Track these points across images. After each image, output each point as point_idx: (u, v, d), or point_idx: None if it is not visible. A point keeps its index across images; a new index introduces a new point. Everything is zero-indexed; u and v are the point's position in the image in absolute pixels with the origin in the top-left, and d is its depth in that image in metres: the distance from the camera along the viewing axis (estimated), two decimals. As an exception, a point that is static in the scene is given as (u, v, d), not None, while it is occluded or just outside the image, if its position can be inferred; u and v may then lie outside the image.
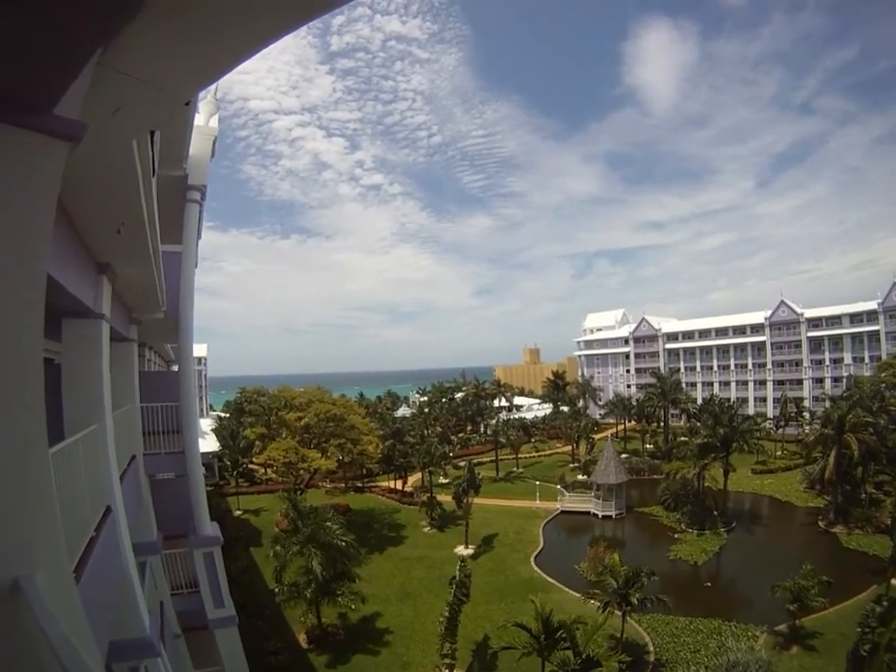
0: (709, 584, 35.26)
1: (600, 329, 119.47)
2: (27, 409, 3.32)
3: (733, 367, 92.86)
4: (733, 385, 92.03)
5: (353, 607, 28.86)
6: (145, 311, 13.58)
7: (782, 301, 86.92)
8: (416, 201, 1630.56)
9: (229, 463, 57.24)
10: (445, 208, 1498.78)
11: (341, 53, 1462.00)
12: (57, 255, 5.46)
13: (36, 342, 3.40)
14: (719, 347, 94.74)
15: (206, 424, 58.95)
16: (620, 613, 26.19)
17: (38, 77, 2.78)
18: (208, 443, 48.27)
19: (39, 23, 2.40)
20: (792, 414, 72.07)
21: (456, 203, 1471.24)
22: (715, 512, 45.33)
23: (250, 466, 60.96)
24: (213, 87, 16.56)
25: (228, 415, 73.05)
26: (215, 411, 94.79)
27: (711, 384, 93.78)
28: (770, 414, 78.85)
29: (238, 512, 49.93)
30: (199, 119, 15.51)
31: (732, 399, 73.72)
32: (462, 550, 40.53)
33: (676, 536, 43.41)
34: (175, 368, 27.98)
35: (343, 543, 28.63)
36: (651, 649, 26.99)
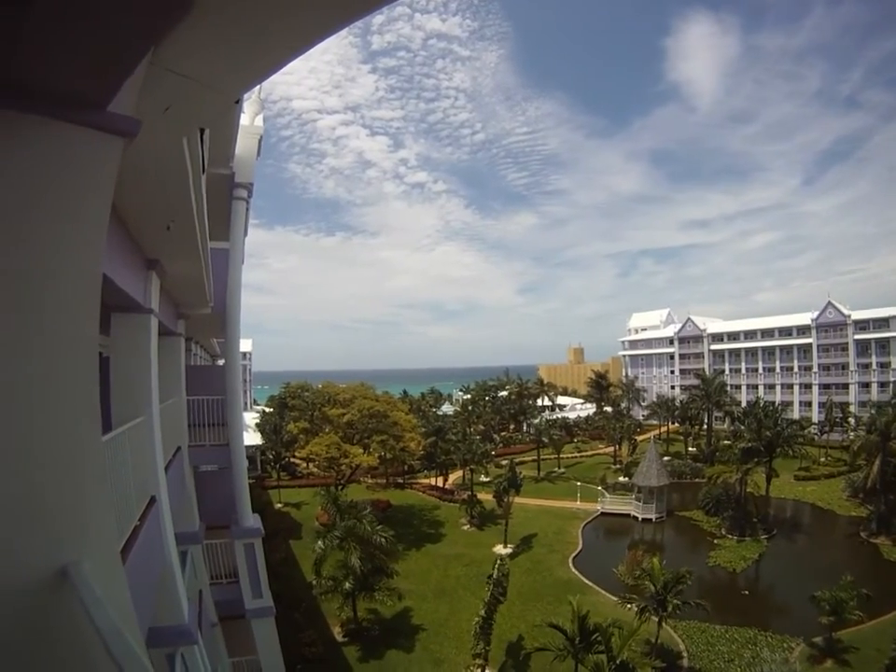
0: (747, 592, 34.55)
1: (645, 329, 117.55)
2: (83, 399, 3.40)
3: (778, 369, 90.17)
4: (778, 388, 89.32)
5: (389, 602, 29.03)
6: (192, 306, 13.81)
7: (829, 303, 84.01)
8: (460, 198, 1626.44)
9: (271, 456, 58.18)
10: (489, 206, 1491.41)
11: (382, 52, 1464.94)
12: (108, 251, 5.59)
13: (92, 335, 3.47)
14: (764, 349, 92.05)
15: (250, 418, 60.02)
16: (656, 618, 25.82)
17: (93, 74, 2.83)
18: (251, 437, 49.30)
19: (93, 21, 2.44)
20: (837, 420, 69.91)
21: (501, 201, 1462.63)
22: (755, 519, 44.25)
23: (292, 460, 61.76)
24: (257, 87, 16.79)
25: (271, 410, 74.06)
26: (259, 405, 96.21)
27: (756, 386, 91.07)
28: (815, 419, 76.51)
29: (279, 505, 50.75)
30: (244, 119, 15.70)
31: (776, 403, 71.79)
32: (501, 549, 40.43)
33: (715, 541, 42.62)
34: (221, 362, 28.55)
35: (383, 539, 28.83)
36: (686, 656, 26.54)
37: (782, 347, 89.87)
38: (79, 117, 3.00)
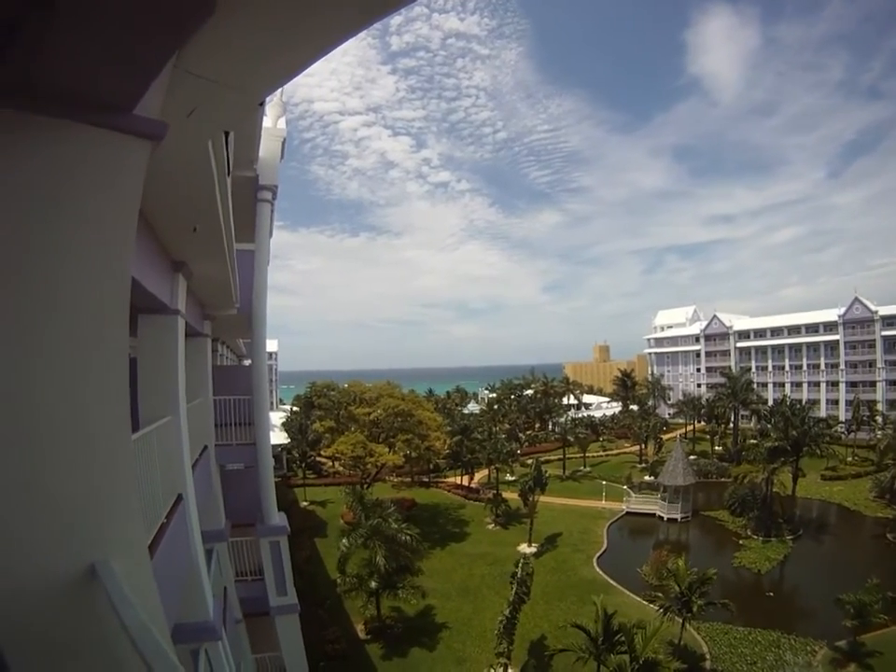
0: (771, 594, 34.08)
1: (670, 327, 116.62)
2: (114, 400, 3.45)
3: (805, 367, 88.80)
4: (804, 385, 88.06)
5: (413, 600, 29.12)
6: (219, 307, 13.93)
7: (856, 298, 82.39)
8: (484, 197, 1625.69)
9: (297, 455, 58.54)
10: (513, 204, 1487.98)
11: (401, 53, 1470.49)
12: (135, 253, 5.67)
13: (122, 336, 3.51)
14: (791, 346, 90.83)
15: (276, 417, 60.50)
16: (680, 619, 25.61)
17: (118, 78, 2.87)
18: (277, 436, 49.62)
19: (117, 25, 2.47)
20: (864, 418, 68.76)
21: (524, 199, 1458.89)
22: (781, 519, 43.62)
23: (318, 459, 62.17)
24: (279, 89, 16.90)
25: (297, 409, 74.56)
26: (284, 405, 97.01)
27: (783, 384, 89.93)
28: (842, 418, 75.14)
29: (304, 503, 51.18)
30: (267, 122, 15.80)
31: (803, 401, 70.72)
32: (525, 548, 40.37)
33: (741, 542, 42.15)
34: (247, 362, 28.83)
35: (408, 538, 28.90)
36: (708, 658, 26.28)
37: (809, 344, 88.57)
38: (106, 120, 3.04)
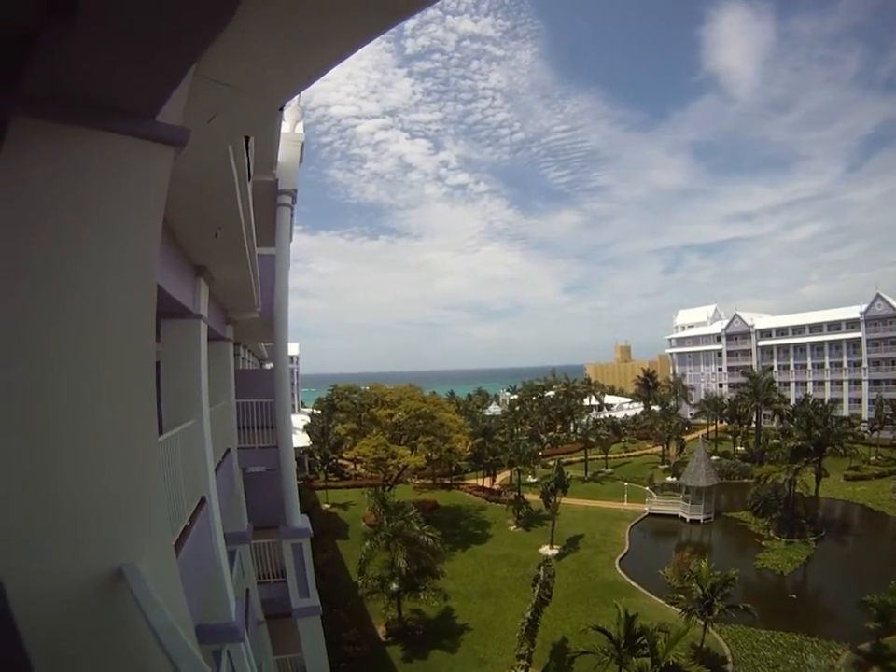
0: (794, 596, 33.65)
1: (692, 326, 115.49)
2: (141, 404, 3.47)
3: (827, 365, 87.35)
4: (827, 384, 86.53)
5: (434, 602, 29.15)
6: (240, 311, 14.03)
7: (878, 295, 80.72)
8: (503, 198, 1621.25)
9: (319, 458, 58.85)
10: (532, 205, 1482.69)
11: (416, 56, 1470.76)
12: (159, 259, 5.73)
13: (150, 340, 3.55)
14: (813, 344, 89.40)
15: (298, 420, 60.87)
16: (702, 622, 25.36)
17: (140, 85, 2.89)
18: (299, 439, 49.94)
19: (138, 33, 2.49)
20: (888, 417, 67.62)
21: (543, 200, 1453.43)
22: (804, 520, 43.02)
23: (340, 461, 62.40)
24: (297, 94, 17.00)
25: (319, 412, 74.96)
26: (306, 408, 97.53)
27: (805, 383, 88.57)
28: (865, 416, 73.83)
29: (326, 506, 51.40)
30: (285, 127, 15.88)
31: (826, 400, 69.62)
32: (547, 550, 40.21)
33: (763, 543, 41.66)
34: (268, 366, 29.02)
35: (429, 540, 28.92)
36: (730, 661, 25.98)
37: (831, 342, 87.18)
38: (128, 127, 3.06)
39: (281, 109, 8.23)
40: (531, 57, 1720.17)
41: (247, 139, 6.44)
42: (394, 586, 27.96)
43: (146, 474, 3.56)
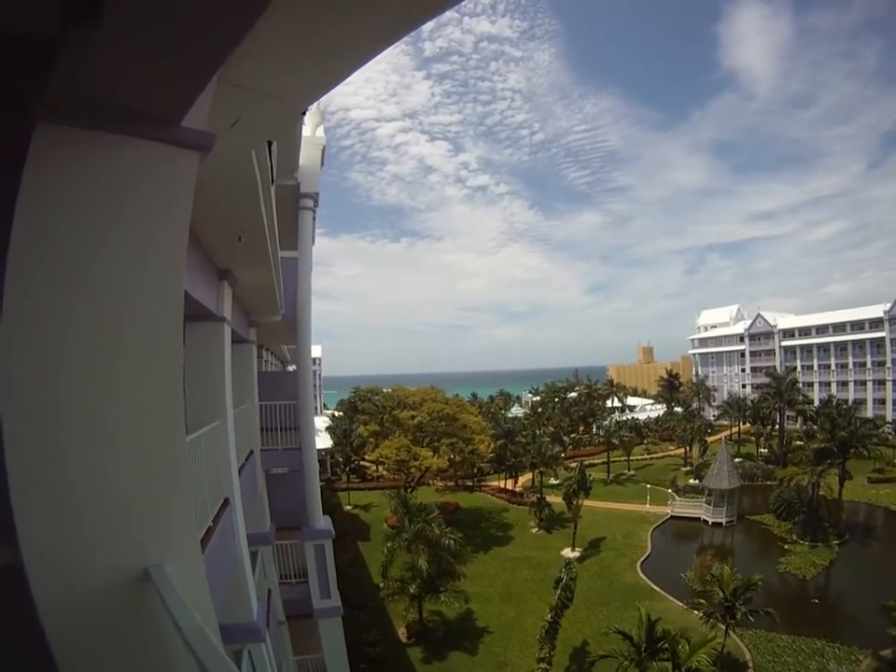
0: (816, 601, 33.18)
1: (714, 327, 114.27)
2: (170, 406, 3.51)
3: (851, 365, 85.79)
4: (851, 384, 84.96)
5: (455, 604, 29.13)
6: (263, 314, 14.14)
7: (901, 293, 78.93)
8: (523, 199, 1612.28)
9: (341, 459, 59.08)
10: (553, 206, 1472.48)
11: (434, 58, 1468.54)
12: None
13: (177, 341, 3.58)
14: (836, 344, 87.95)
15: (320, 422, 61.19)
16: (723, 626, 25.09)
17: (165, 91, 2.92)
18: (321, 440, 50.20)
19: (167, 38, 2.51)
20: (913, 418, 66.01)
21: (564, 201, 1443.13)
22: (827, 523, 42.34)
23: (362, 463, 62.61)
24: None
25: (341, 414, 75.30)
26: (328, 409, 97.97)
27: (829, 384, 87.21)
28: (889, 417, 72.87)
29: (348, 507, 51.55)
30: (306, 131, 15.98)
31: (849, 401, 68.44)
32: (569, 552, 39.97)
33: (786, 547, 41.06)
34: (291, 368, 29.19)
35: (451, 542, 28.93)
36: (751, 666, 25.71)
37: (854, 342, 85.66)
38: (154, 133, 3.10)
39: (303, 113, 8.28)
40: (549, 57, 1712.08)
41: (270, 143, 6.48)
42: (413, 588, 27.99)
43: (175, 475, 3.60)
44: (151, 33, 2.48)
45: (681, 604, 30.52)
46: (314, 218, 16.88)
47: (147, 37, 2.51)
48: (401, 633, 29.21)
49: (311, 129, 16.66)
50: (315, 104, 16.89)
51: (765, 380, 78.37)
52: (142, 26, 2.44)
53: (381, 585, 30.34)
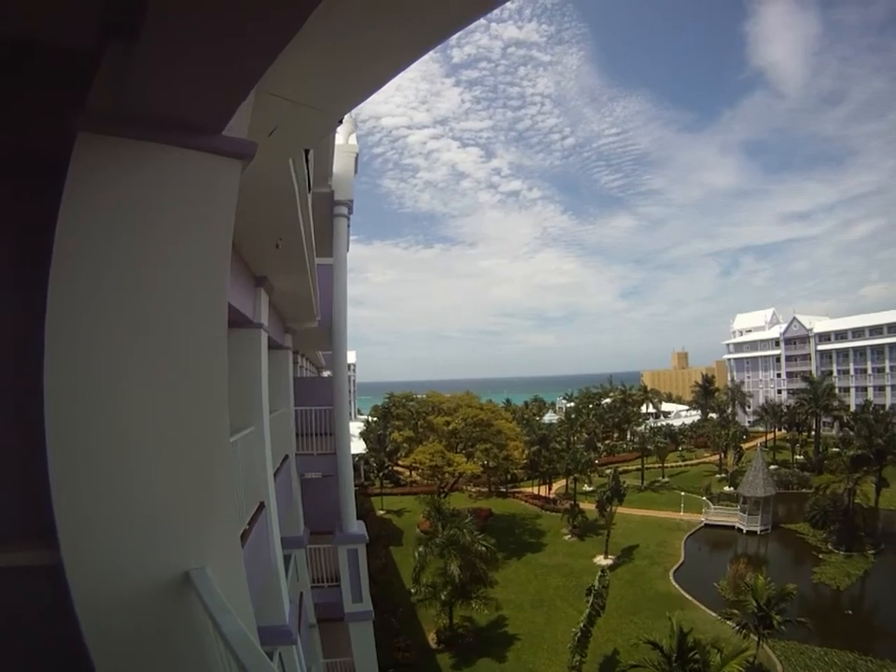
0: (850, 612, 32.20)
1: (749, 331, 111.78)
2: (215, 407, 3.56)
3: (888, 369, 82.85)
4: (888, 389, 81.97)
5: (485, 611, 29.00)
6: (299, 321, 14.29)
7: (940, 293, 76.44)
8: (556, 204, 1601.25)
9: (374, 464, 59.31)
10: (586, 210, 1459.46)
11: (463, 65, 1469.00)
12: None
13: (222, 347, 3.61)
14: (873, 348, 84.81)
15: (354, 427, 61.52)
16: (755, 637, 24.56)
17: (208, 102, 2.98)
18: (355, 446, 50.50)
19: (208, 50, 2.57)
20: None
21: (596, 205, 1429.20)
22: (862, 532, 41.10)
23: (395, 468, 62.71)
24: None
25: (375, 419, 75.64)
26: (362, 415, 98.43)
27: (865, 388, 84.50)
28: (927, 424, 70.02)
29: (381, 512, 51.70)
30: (339, 139, 16.12)
31: (887, 406, 66.34)
32: (601, 560, 39.53)
33: (821, 556, 39.96)
34: (326, 374, 29.41)
35: (483, 548, 28.85)
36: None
37: (891, 345, 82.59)
38: (197, 142, 3.17)
39: (339, 122, 8.36)
40: (577, 61, 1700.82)
41: (307, 151, 6.55)
42: (444, 595, 27.95)
43: (218, 478, 3.65)
44: (192, 47, 2.54)
45: (714, 614, 29.95)
46: (348, 225, 16.97)
47: (187, 51, 2.56)
48: (431, 638, 29.16)
49: (344, 137, 16.78)
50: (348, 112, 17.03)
51: (801, 385, 76.24)
52: (182, 41, 2.50)
53: (412, 590, 30.32)
